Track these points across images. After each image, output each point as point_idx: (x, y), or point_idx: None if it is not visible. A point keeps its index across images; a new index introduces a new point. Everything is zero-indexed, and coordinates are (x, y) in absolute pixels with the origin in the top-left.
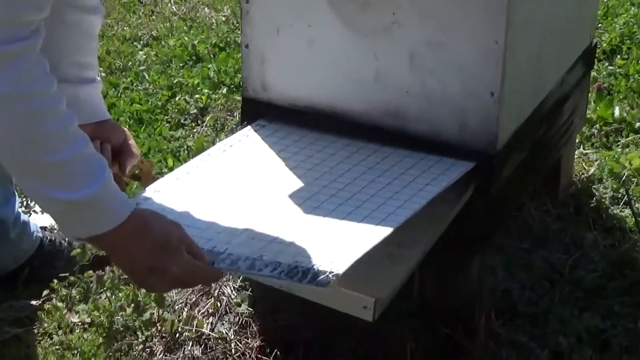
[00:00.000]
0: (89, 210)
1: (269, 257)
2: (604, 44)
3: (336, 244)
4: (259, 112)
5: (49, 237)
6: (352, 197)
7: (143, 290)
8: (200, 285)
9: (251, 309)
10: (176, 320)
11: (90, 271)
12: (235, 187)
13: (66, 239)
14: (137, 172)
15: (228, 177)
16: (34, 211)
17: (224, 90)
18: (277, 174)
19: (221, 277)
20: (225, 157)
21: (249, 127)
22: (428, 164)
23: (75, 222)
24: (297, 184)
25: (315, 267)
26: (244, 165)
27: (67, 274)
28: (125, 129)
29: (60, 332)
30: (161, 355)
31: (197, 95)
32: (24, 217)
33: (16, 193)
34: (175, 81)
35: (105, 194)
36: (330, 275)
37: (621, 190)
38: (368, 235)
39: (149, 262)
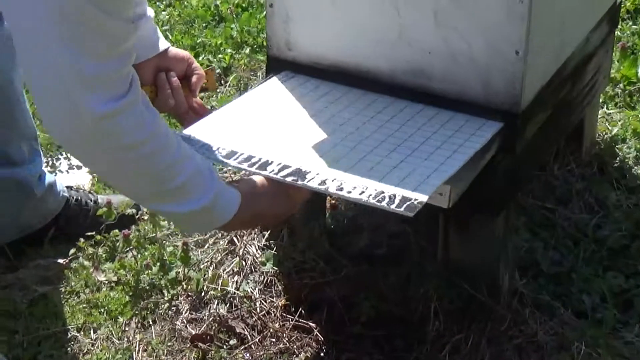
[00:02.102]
0: (207, 213)
1: (356, 179)
2: (628, 3)
3: (413, 174)
4: (284, 70)
5: (74, 197)
6: (395, 150)
7: (169, 249)
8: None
9: (276, 268)
10: (202, 279)
11: (117, 230)
12: (281, 125)
13: (92, 199)
14: (203, 84)
15: (269, 117)
16: (60, 171)
17: (247, 50)
18: (314, 122)
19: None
20: (259, 101)
21: (275, 77)
22: (458, 123)
23: (196, 224)
24: (337, 133)
25: (400, 194)
26: (279, 110)
27: (93, 233)
28: (186, 52)
29: (87, 290)
30: (187, 314)
31: (220, 55)
32: (49, 176)
33: (41, 152)
34: (198, 41)
35: (217, 196)
36: (415, 202)
37: None
38: (437, 170)
39: (283, 203)
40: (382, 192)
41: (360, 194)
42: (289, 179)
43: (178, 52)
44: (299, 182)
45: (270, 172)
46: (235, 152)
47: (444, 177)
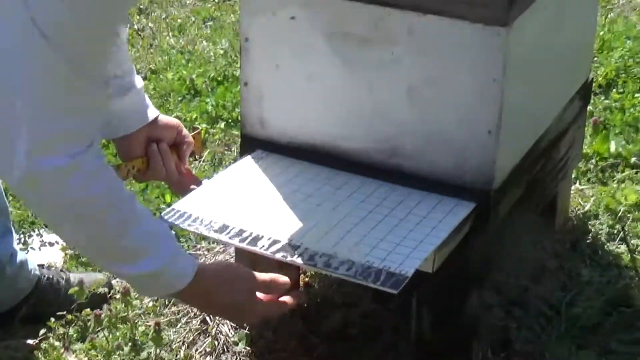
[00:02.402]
0: (160, 276)
1: (343, 255)
2: (600, 78)
3: (399, 248)
4: (258, 148)
5: (46, 275)
6: (367, 235)
7: (141, 329)
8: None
9: (248, 348)
10: (174, 359)
11: (88, 309)
12: (261, 203)
13: (64, 277)
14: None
15: (247, 195)
16: (32, 248)
17: (222, 125)
18: (292, 200)
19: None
20: (234, 180)
21: (248, 157)
22: (432, 203)
23: (149, 286)
24: (318, 211)
25: (386, 268)
26: (255, 189)
27: (64, 312)
28: (175, 119)
29: None
30: None
31: None
32: (21, 254)
33: (13, 230)
34: (173, 115)
35: (172, 260)
36: (400, 278)
37: (617, 226)
38: (422, 243)
39: (242, 298)
40: (369, 268)
41: (347, 270)
42: (278, 255)
43: (168, 120)
44: (288, 259)
45: (260, 248)
46: (227, 226)
47: (429, 249)
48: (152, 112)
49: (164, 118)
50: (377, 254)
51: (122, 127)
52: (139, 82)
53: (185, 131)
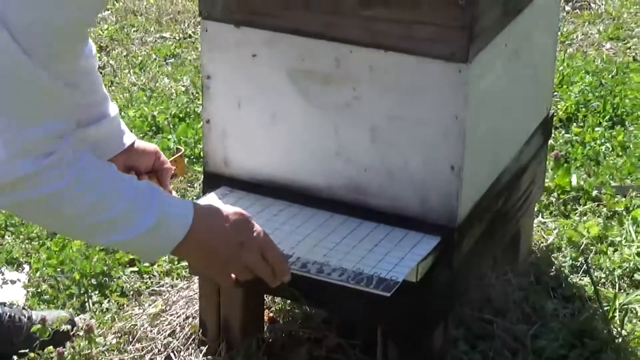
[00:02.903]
0: (159, 230)
1: (334, 263)
2: (560, 112)
3: (386, 258)
4: (222, 185)
5: (8, 313)
6: (355, 247)
7: None
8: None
9: None
10: None
11: (51, 347)
12: None
13: (25, 315)
14: (173, 171)
15: None
16: None
17: (184, 162)
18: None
19: (288, 272)
20: None
21: (213, 193)
22: (398, 237)
23: (152, 246)
24: (295, 233)
25: (377, 274)
26: None
27: (27, 351)
28: (153, 145)
29: None
30: None
31: None
32: None
33: None
34: None
35: (165, 210)
36: (391, 283)
37: (580, 259)
38: (403, 260)
39: (238, 238)
40: (360, 274)
41: (339, 275)
42: None
43: (145, 146)
44: None
45: None
46: None
47: (416, 259)
48: (129, 138)
49: (141, 144)
50: (367, 262)
51: (98, 154)
52: (113, 109)
53: (163, 156)
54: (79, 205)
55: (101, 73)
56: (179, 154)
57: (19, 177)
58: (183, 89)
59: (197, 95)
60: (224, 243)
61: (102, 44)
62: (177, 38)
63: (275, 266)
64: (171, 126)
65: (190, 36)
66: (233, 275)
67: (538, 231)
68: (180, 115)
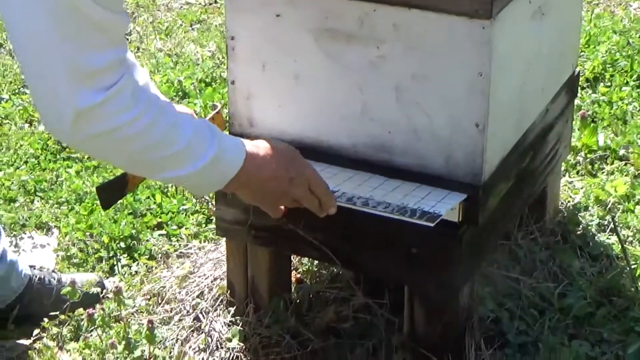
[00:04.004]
0: (217, 165)
1: (379, 198)
2: (587, 72)
3: (427, 198)
4: None
5: (37, 276)
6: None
7: (134, 328)
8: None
9: (242, 344)
10: (167, 357)
11: (81, 309)
12: None
13: (55, 278)
14: None
15: None
16: (23, 250)
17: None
18: None
19: (334, 204)
20: None
21: None
22: (425, 191)
23: (208, 180)
24: (335, 177)
25: (420, 208)
26: None
27: (57, 313)
28: (187, 108)
29: None
30: None
31: None
32: (11, 254)
33: (2, 231)
34: None
35: (222, 143)
36: (435, 215)
37: (607, 218)
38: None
39: (287, 174)
40: (404, 207)
41: (384, 208)
42: None
43: (180, 109)
44: None
45: None
46: None
47: (457, 199)
48: None
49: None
50: (409, 200)
51: None
52: (143, 75)
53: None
54: (146, 138)
55: (127, 40)
56: (216, 110)
57: (86, 107)
58: (209, 54)
59: (223, 60)
60: (274, 179)
61: (128, 11)
62: (203, 4)
63: (322, 198)
64: (197, 91)
65: (215, 1)
66: (282, 207)
67: (565, 190)
68: (207, 80)
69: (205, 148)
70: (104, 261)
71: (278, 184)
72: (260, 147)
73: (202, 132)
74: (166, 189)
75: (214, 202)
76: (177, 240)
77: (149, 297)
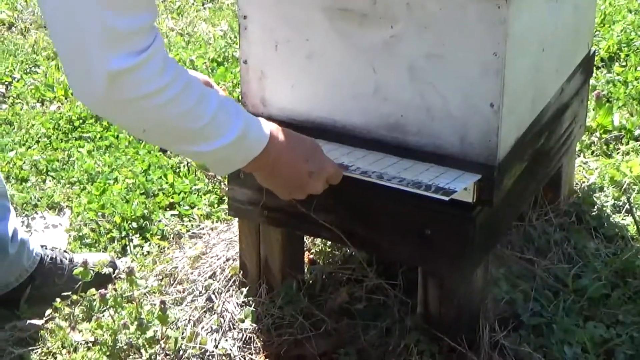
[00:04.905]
0: (243, 141)
1: (394, 173)
2: (602, 52)
3: (445, 175)
4: None
5: (49, 255)
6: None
7: (146, 308)
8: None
9: (255, 325)
10: (180, 338)
11: (93, 289)
12: None
13: (67, 257)
14: None
15: None
16: (35, 230)
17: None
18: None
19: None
20: None
21: None
22: (439, 171)
23: (231, 158)
24: (349, 155)
25: (435, 184)
26: None
27: (69, 293)
28: (204, 75)
29: (64, 351)
30: None
31: None
32: (22, 233)
33: (12, 209)
34: None
35: (248, 122)
36: (450, 190)
37: (622, 198)
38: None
39: (307, 167)
40: (419, 182)
41: (399, 182)
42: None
43: (196, 74)
44: (344, 172)
45: None
46: None
47: (472, 178)
48: None
49: (192, 73)
50: (425, 177)
51: None
52: None
53: (216, 86)
54: (176, 107)
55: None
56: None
57: (120, 70)
58: (221, 33)
59: (234, 39)
60: (292, 167)
61: None
62: None
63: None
64: (209, 70)
65: None
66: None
67: (580, 171)
68: (219, 59)
69: (231, 124)
70: (116, 241)
71: (296, 173)
72: (283, 132)
73: (227, 108)
74: (178, 169)
75: (226, 183)
76: (190, 221)
77: (161, 277)
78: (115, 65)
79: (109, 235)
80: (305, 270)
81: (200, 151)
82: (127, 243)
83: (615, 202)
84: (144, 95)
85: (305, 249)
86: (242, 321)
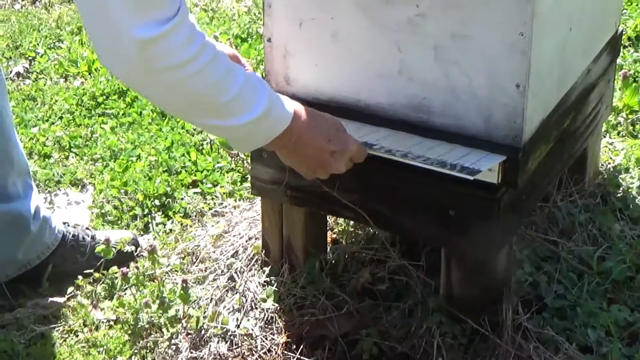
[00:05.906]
0: (267, 118)
1: (418, 152)
2: (629, 31)
3: (470, 155)
4: None
5: (72, 233)
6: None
7: (168, 287)
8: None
9: (277, 305)
10: (201, 317)
11: (115, 267)
12: None
13: (89, 235)
14: None
15: None
16: (58, 207)
17: None
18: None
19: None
20: None
21: None
22: (464, 151)
23: (257, 134)
24: (371, 135)
25: (460, 163)
26: None
27: (91, 271)
28: (231, 48)
29: (85, 329)
30: (187, 352)
31: None
32: (45, 211)
33: (34, 187)
34: None
35: (273, 98)
36: (474, 169)
37: None
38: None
39: (330, 147)
40: (444, 161)
41: (424, 161)
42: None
43: (222, 48)
44: (367, 151)
45: None
46: None
47: (498, 159)
48: None
49: (220, 46)
50: (450, 156)
51: None
52: None
53: (243, 60)
54: (205, 78)
55: None
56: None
57: (149, 38)
58: (245, 9)
59: (259, 15)
60: (315, 148)
61: None
62: None
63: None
64: (233, 47)
65: None
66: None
67: (605, 152)
68: (243, 35)
69: (256, 100)
70: (138, 219)
71: (317, 153)
72: (306, 111)
73: (254, 83)
74: (201, 147)
75: (249, 161)
76: (212, 199)
77: (183, 255)
78: (142, 33)
79: (131, 213)
80: (328, 250)
81: (224, 125)
82: (150, 221)
83: None
84: (173, 65)
85: (328, 228)
86: (264, 301)
